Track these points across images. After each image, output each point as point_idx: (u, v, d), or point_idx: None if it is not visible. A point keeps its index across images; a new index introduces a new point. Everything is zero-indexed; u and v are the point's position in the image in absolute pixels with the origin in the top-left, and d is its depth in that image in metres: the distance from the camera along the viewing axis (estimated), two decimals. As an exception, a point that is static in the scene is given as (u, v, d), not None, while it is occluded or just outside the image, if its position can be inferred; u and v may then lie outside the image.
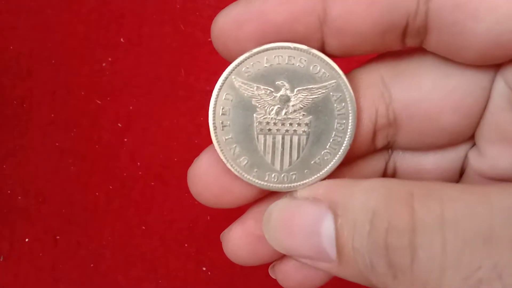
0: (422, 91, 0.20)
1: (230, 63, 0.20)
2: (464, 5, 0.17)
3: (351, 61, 0.21)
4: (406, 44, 0.20)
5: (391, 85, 0.21)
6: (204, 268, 0.39)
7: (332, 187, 0.18)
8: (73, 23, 0.42)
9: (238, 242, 0.22)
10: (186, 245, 0.39)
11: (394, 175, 0.24)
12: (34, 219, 0.39)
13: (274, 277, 0.24)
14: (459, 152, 0.22)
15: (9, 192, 0.40)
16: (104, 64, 0.42)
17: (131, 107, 0.41)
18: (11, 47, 0.42)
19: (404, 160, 0.23)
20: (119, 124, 0.41)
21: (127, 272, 0.39)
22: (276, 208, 0.19)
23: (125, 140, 0.40)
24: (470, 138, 0.22)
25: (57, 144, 0.40)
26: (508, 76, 0.19)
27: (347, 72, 0.21)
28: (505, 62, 0.19)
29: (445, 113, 0.20)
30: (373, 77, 0.21)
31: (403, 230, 0.15)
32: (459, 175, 0.23)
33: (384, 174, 0.24)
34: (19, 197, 0.40)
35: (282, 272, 0.23)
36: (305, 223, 0.18)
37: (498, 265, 0.14)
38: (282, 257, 0.23)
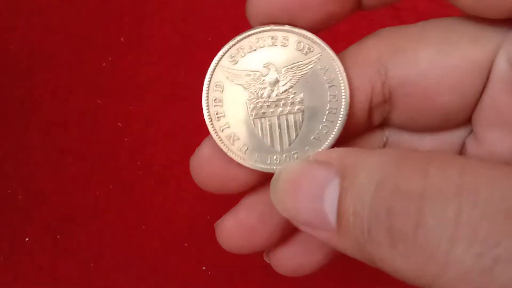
0: (419, 68, 0.20)
1: None
2: None
3: (337, 39, 0.20)
4: None
5: (388, 62, 0.20)
6: (204, 268, 0.39)
7: (345, 152, 0.18)
8: (73, 23, 0.42)
9: (231, 231, 0.22)
10: (186, 244, 0.39)
11: None
12: (34, 219, 0.39)
13: (268, 262, 0.24)
14: (456, 138, 0.22)
15: (9, 192, 0.40)
16: (104, 64, 0.42)
17: (131, 107, 0.41)
18: (11, 47, 0.42)
19: (400, 146, 0.23)
20: (119, 124, 0.41)
21: (127, 272, 0.39)
22: (286, 170, 0.19)
23: (125, 140, 0.40)
24: (466, 123, 0.21)
25: (57, 144, 0.40)
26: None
27: (343, 49, 0.21)
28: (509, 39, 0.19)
29: (441, 92, 0.20)
30: (370, 53, 0.21)
31: (411, 194, 0.14)
32: None
33: None
34: (19, 197, 0.40)
35: (276, 258, 0.23)
36: (311, 186, 0.17)
37: None
38: (275, 244, 0.23)
